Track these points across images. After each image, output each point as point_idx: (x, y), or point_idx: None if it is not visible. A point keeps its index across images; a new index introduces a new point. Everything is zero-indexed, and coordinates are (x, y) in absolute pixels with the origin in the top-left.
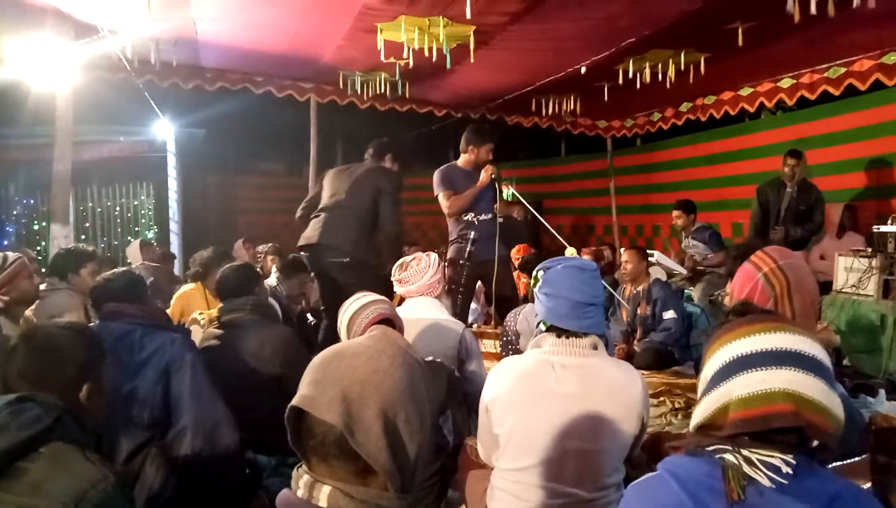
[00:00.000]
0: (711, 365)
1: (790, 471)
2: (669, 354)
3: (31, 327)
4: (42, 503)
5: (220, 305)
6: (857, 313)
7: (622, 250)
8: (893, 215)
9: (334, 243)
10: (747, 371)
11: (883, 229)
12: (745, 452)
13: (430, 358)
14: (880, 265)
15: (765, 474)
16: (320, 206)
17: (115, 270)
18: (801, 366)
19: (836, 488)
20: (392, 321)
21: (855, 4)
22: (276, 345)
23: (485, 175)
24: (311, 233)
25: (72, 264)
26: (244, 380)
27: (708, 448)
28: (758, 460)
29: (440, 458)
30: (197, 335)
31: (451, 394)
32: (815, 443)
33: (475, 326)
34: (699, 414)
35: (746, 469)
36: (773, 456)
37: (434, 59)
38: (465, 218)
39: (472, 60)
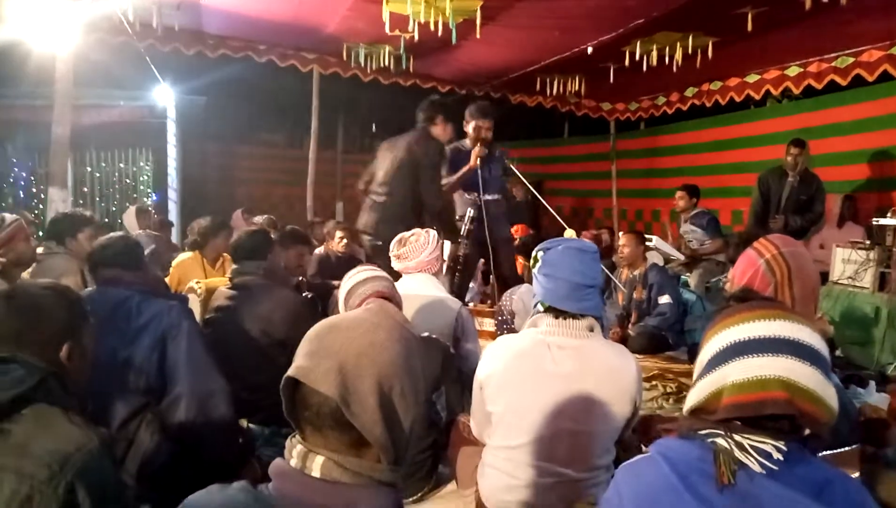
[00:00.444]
0: (708, 349)
1: (781, 458)
2: (663, 338)
3: (13, 286)
4: (27, 465)
5: (213, 274)
6: (852, 304)
7: (620, 233)
8: (893, 207)
9: (374, 230)
10: (744, 357)
11: (882, 221)
12: (736, 437)
13: (427, 334)
14: (878, 258)
15: (756, 459)
16: (371, 187)
17: (112, 234)
18: (797, 355)
19: (826, 476)
20: (390, 299)
21: None
22: (287, 309)
23: (472, 159)
24: (360, 219)
25: (70, 229)
26: (251, 341)
27: (700, 432)
28: (749, 445)
29: (432, 434)
30: (194, 303)
31: (445, 370)
32: (807, 432)
33: (471, 304)
34: (693, 397)
35: (738, 453)
36: (764, 442)
37: (439, 33)
38: (468, 197)
39: (477, 36)
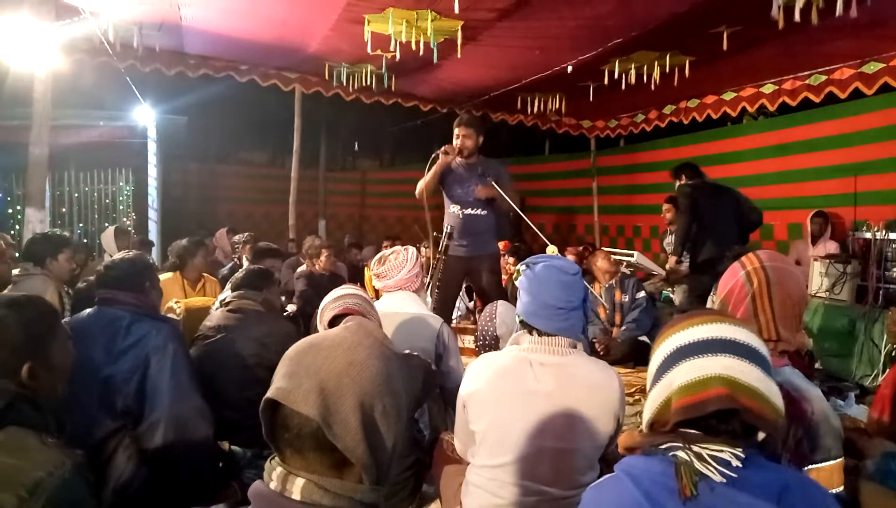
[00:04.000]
0: (654, 360)
1: (739, 465)
2: (647, 347)
3: None
4: None
5: (194, 295)
6: (830, 317)
7: (597, 252)
8: (868, 222)
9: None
10: (685, 360)
11: (858, 235)
12: (695, 448)
13: (408, 351)
14: (854, 271)
15: (715, 469)
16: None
17: (122, 254)
18: (736, 353)
19: (784, 479)
20: (363, 315)
21: (837, 14)
22: (281, 337)
23: (441, 158)
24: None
25: (49, 250)
26: (242, 362)
27: (661, 447)
28: (708, 455)
29: (416, 453)
30: None
31: (427, 388)
32: (762, 436)
33: (455, 321)
34: (648, 412)
35: (698, 465)
36: (722, 451)
37: (421, 52)
38: (451, 211)
39: (458, 56)
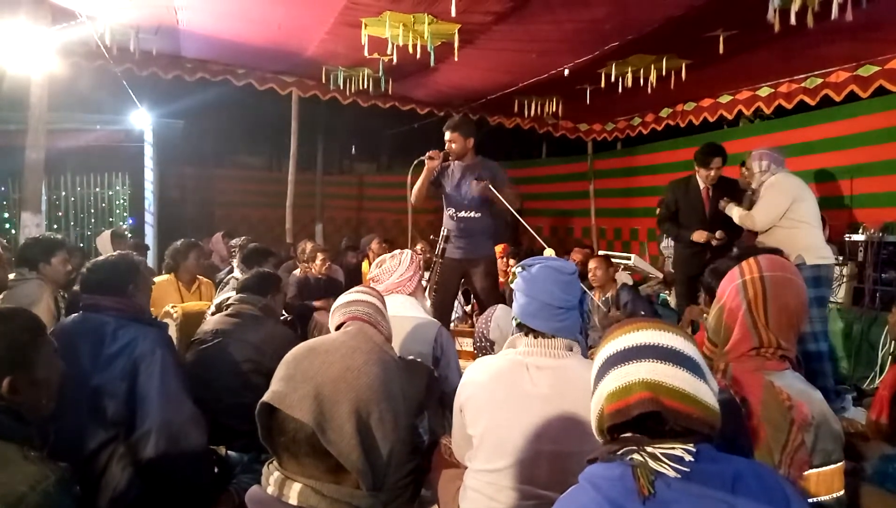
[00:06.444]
0: (591, 374)
1: (692, 459)
2: None
3: None
4: None
5: (190, 297)
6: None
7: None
8: (864, 224)
9: None
10: (614, 369)
11: (854, 237)
12: (649, 449)
13: (411, 357)
14: (850, 274)
15: (669, 465)
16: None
17: (105, 257)
18: (659, 358)
19: (737, 468)
20: (373, 324)
21: (833, 17)
22: (278, 342)
23: (427, 166)
24: None
25: (43, 254)
26: (237, 367)
27: (618, 453)
28: (661, 454)
29: (415, 458)
30: (170, 329)
31: (429, 394)
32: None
33: (452, 324)
34: (592, 423)
35: (652, 464)
36: (674, 448)
37: (418, 56)
38: (448, 213)
39: (455, 59)
